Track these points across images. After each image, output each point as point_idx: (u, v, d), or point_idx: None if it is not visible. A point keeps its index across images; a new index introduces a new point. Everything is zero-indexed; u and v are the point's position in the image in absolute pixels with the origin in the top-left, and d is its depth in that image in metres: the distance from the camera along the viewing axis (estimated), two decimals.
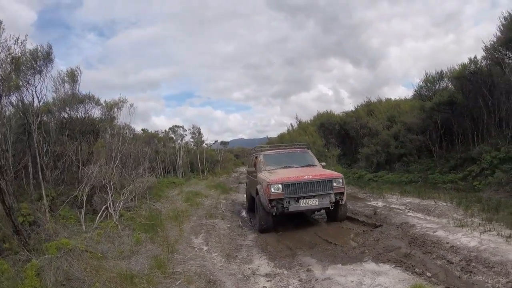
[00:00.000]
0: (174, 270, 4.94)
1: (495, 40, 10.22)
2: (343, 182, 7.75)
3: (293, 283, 4.62)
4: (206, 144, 33.56)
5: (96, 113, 12.73)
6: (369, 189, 12.19)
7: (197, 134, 31.28)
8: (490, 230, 5.72)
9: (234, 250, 6.47)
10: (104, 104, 13.00)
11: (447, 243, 5.42)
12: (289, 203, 7.28)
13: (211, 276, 4.82)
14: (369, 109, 19.35)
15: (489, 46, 10.42)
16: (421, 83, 14.48)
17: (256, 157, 9.75)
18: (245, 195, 12.52)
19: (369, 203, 9.86)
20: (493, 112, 10.91)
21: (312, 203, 7.39)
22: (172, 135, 29.72)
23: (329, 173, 8.07)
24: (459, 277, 4.27)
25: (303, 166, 8.85)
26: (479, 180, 9.32)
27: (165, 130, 29.47)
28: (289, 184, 7.29)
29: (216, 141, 40.48)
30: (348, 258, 5.44)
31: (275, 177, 7.60)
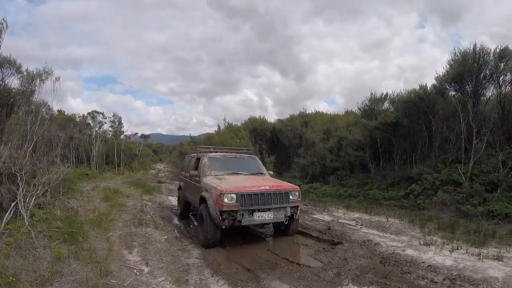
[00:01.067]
0: None
1: (444, 73, 11.24)
2: (299, 195, 7.33)
3: None
4: (125, 135, 31.76)
5: (14, 82, 11.16)
6: (309, 200, 12.27)
7: (117, 123, 29.51)
8: (457, 249, 6.00)
9: (182, 272, 5.33)
10: (25, 73, 11.35)
11: (423, 262, 5.49)
12: (242, 216, 6.56)
13: None
14: (304, 120, 19.88)
15: (440, 76, 11.45)
16: (366, 102, 15.23)
17: (198, 159, 8.94)
18: (175, 199, 11.98)
19: (315, 216, 9.76)
20: (434, 137, 11.69)
21: (267, 216, 6.79)
22: (90, 121, 27.61)
23: (285, 184, 7.55)
24: None
25: (252, 174, 8.37)
26: (423, 199, 9.88)
27: (83, 115, 27.20)
28: (244, 195, 6.55)
29: (136, 133, 38.46)
30: (325, 282, 4.93)
31: (227, 185, 6.81)
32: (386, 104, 15.06)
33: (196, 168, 8.61)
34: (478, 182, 8.99)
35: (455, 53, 10.82)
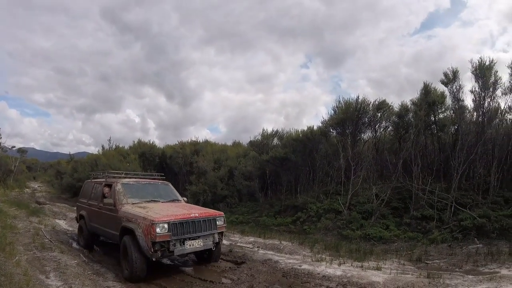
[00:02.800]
0: None
1: (329, 117, 13.17)
2: (224, 220, 7.36)
3: None
4: (2, 147, 28.39)
5: None
6: None
7: None
8: (344, 263, 7.06)
9: None
10: None
11: (318, 274, 6.41)
12: (174, 245, 6.30)
13: None
14: (195, 148, 20.29)
15: (325, 120, 13.36)
16: (259, 137, 16.56)
17: (107, 185, 8.35)
18: (64, 222, 11.69)
19: None
20: (317, 171, 13.27)
21: (198, 244, 6.66)
22: None
23: (211, 211, 7.49)
24: None
25: (169, 201, 8.16)
26: (308, 225, 11.07)
27: None
28: (176, 223, 6.32)
29: (13, 147, 34.09)
30: None
31: (156, 214, 6.43)
32: (275, 140, 16.50)
33: (105, 196, 8.07)
34: (356, 210, 10.47)
35: (339, 101, 12.78)
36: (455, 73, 10.03)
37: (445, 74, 10.22)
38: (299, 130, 14.86)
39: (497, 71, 9.73)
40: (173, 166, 19.77)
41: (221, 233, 7.27)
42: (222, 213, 7.45)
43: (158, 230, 6.05)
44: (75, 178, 23.05)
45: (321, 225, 10.62)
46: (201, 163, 17.74)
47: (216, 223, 7.04)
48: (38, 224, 11.35)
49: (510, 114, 9.98)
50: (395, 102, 12.61)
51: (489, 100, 9.89)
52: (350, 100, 12.38)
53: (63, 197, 23.71)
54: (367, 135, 12.71)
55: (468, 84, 15.98)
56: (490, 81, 9.69)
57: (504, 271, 6.04)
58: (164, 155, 21.14)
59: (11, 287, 4.93)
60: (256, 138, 17.03)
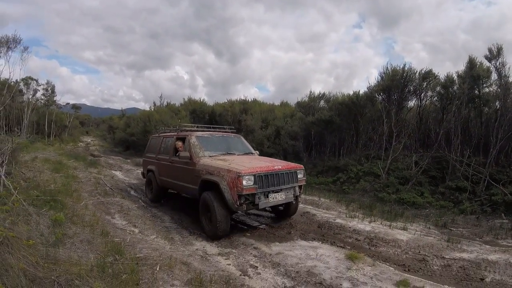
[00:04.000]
0: (136, 255, 4.65)
1: (375, 83, 13.53)
2: (304, 174, 7.31)
3: (251, 259, 5.29)
4: (56, 105, 30.71)
5: None
6: None
7: (50, 91, 28.47)
8: (374, 221, 7.79)
9: (166, 232, 6.71)
10: None
11: (349, 227, 7.19)
12: (260, 198, 6.23)
13: (177, 259, 4.79)
14: (244, 107, 21.07)
15: (372, 86, 13.78)
16: (306, 98, 17.25)
17: (181, 139, 8.37)
18: (120, 173, 12.50)
19: None
20: (360, 135, 13.92)
21: (280, 197, 6.61)
22: (23, 88, 26.36)
23: (293, 164, 7.30)
24: (369, 248, 6.10)
25: (245, 154, 8.09)
26: (347, 185, 11.89)
27: (16, 81, 25.99)
28: (261, 176, 6.20)
29: (68, 103, 36.84)
30: (280, 238, 6.52)
31: (241, 166, 6.24)
32: (322, 102, 17.18)
33: (178, 150, 8.15)
34: (394, 176, 11.10)
35: (387, 67, 13.05)
36: (499, 50, 10.09)
37: (490, 50, 10.29)
38: (345, 94, 15.46)
39: None
40: (222, 123, 20.30)
41: (300, 187, 7.23)
42: (302, 166, 7.34)
43: (244, 182, 5.92)
44: (127, 132, 24.38)
45: (359, 187, 11.40)
46: (249, 122, 18.66)
47: (297, 176, 6.99)
48: (97, 174, 12.41)
49: None
50: (452, 70, 12.75)
51: None
52: (397, 67, 12.66)
53: (116, 150, 25.05)
54: (412, 103, 13.06)
55: None
56: None
57: None
58: (213, 112, 21.90)
59: (84, 225, 5.64)
60: (303, 100, 17.83)
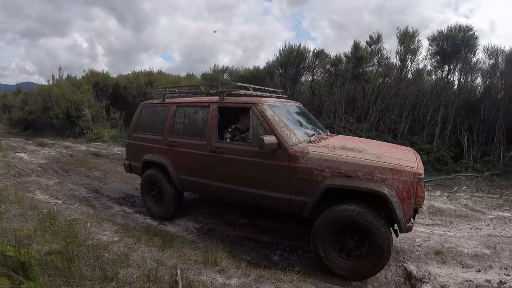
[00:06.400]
0: (67, 219, 5.21)
1: (274, 59, 14.96)
2: None
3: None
4: None
5: None
6: None
7: None
8: None
9: (86, 201, 7.13)
10: None
11: None
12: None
13: (103, 218, 5.78)
14: (149, 79, 20.71)
15: (270, 62, 15.31)
16: (210, 71, 18.49)
17: (231, 109, 5.37)
18: (26, 155, 11.67)
19: None
20: None
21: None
22: None
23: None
24: None
25: (323, 134, 5.61)
26: None
27: None
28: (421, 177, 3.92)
29: None
30: None
31: (401, 160, 4.14)
32: (225, 75, 18.19)
33: (221, 129, 5.30)
34: None
35: (285, 45, 14.39)
36: (378, 37, 12.39)
37: (370, 37, 12.51)
38: (246, 68, 16.81)
39: (420, 40, 11.92)
40: (127, 96, 19.91)
41: None
42: None
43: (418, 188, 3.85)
44: (26, 111, 22.63)
45: None
46: (155, 94, 18.62)
47: None
48: (3, 157, 11.66)
49: (429, 76, 12.45)
50: (341, 50, 14.52)
51: (410, 62, 12.21)
52: (294, 46, 14.04)
53: (13, 132, 23.39)
54: (306, 78, 14.58)
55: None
56: (412, 47, 11.88)
57: None
58: (117, 85, 21.06)
59: (11, 203, 5.76)
60: (207, 72, 18.61)
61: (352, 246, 4.04)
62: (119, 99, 20.42)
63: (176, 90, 6.59)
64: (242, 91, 5.51)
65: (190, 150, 5.37)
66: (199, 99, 5.73)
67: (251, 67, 16.08)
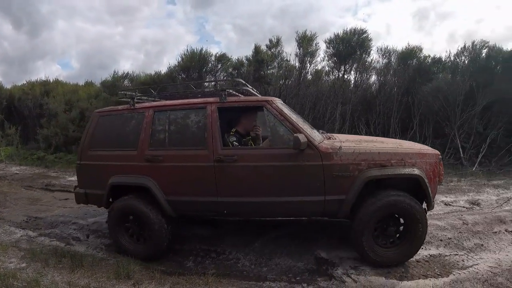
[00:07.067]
0: None
1: (176, 64, 14.73)
2: None
3: (73, 232, 6.14)
4: None
5: None
6: (58, 168, 13.38)
7: None
8: None
9: None
10: None
11: None
12: None
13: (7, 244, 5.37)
14: (45, 88, 19.39)
15: (172, 67, 15.05)
16: (109, 78, 17.55)
17: (231, 110, 4.71)
18: None
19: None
20: None
21: None
22: None
23: None
24: None
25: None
26: None
27: None
28: None
29: None
30: None
31: (417, 146, 4.76)
32: (126, 82, 17.52)
33: (223, 135, 4.54)
34: None
35: (188, 49, 14.23)
36: (278, 40, 13.04)
37: (270, 40, 13.12)
38: (147, 74, 16.34)
39: (318, 43, 12.73)
40: (23, 109, 18.52)
41: None
42: None
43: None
44: None
45: None
46: (52, 105, 17.59)
47: None
48: None
49: (327, 76, 13.22)
50: (242, 54, 14.75)
51: (308, 64, 12.93)
52: (195, 50, 13.98)
53: None
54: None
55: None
56: (310, 50, 12.62)
57: None
58: (12, 97, 19.41)
59: None
60: (107, 79, 17.74)
61: (393, 233, 4.12)
62: (14, 112, 18.89)
63: (153, 92, 5.62)
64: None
65: (183, 163, 4.43)
66: (187, 100, 4.93)
67: (153, 73, 15.76)
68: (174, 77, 14.65)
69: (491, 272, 3.97)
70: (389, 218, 4.08)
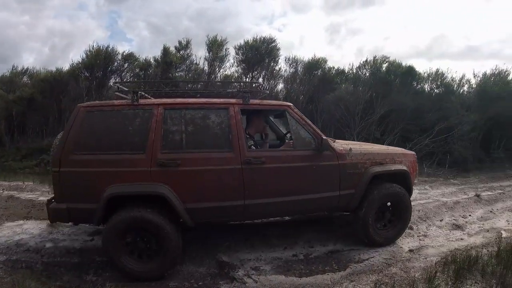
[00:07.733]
0: None
1: (80, 61, 13.82)
2: None
3: None
4: None
5: None
6: None
7: None
8: None
9: None
10: None
11: None
12: None
13: None
14: None
15: (74, 64, 14.09)
16: (7, 73, 16.21)
17: (256, 113, 5.07)
18: None
19: None
20: (63, 113, 13.93)
21: None
22: None
23: None
24: None
25: None
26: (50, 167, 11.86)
27: None
28: None
29: None
30: None
31: (398, 149, 5.73)
32: (25, 78, 16.21)
33: (250, 135, 4.85)
34: None
35: (93, 46, 13.57)
36: (188, 42, 13.12)
37: (180, 42, 13.14)
38: (48, 70, 15.11)
39: (228, 48, 13.07)
40: None
41: None
42: None
43: None
44: None
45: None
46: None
47: None
48: None
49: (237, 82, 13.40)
50: (154, 54, 14.46)
51: (217, 69, 13.23)
52: (101, 47, 13.42)
53: None
54: (113, 81, 13.97)
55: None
56: (220, 54, 12.91)
57: None
58: None
59: None
60: (4, 75, 16.28)
61: (388, 217, 4.96)
62: None
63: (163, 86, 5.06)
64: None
65: (208, 167, 4.11)
66: (206, 100, 4.58)
67: (54, 69, 14.65)
68: (77, 75, 13.78)
69: (386, 264, 4.39)
70: (384, 206, 4.88)
